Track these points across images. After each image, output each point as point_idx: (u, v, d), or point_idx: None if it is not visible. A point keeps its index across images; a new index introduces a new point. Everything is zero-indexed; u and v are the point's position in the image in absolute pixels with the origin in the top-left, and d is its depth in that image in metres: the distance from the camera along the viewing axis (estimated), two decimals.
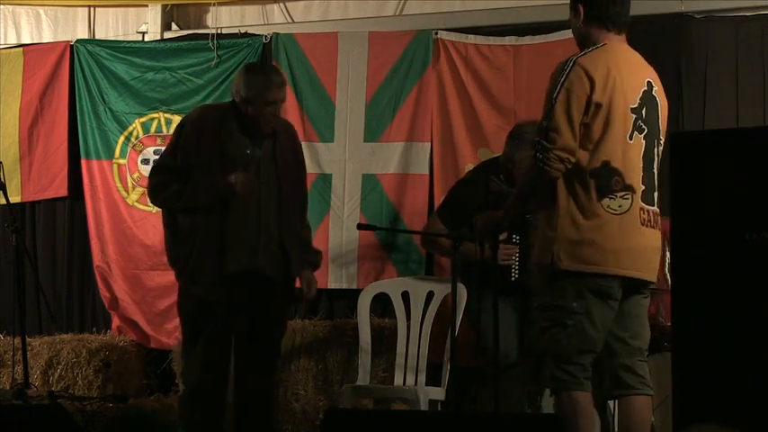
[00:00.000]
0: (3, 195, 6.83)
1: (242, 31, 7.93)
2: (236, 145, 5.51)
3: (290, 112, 7.68)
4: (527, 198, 4.57)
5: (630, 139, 4.44)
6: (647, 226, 4.46)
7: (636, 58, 4.61)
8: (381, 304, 7.05)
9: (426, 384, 6.54)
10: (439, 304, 6.63)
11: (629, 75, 4.46)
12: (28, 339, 6.98)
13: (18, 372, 6.90)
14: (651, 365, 6.00)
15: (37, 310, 8.03)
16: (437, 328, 6.67)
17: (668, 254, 6.08)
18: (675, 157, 3.76)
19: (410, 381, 6.56)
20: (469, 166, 7.19)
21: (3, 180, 6.86)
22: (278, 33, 7.79)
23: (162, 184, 5.55)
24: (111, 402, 6.64)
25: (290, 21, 7.99)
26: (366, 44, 7.65)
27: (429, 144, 7.48)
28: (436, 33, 7.51)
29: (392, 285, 6.85)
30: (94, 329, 7.97)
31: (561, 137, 4.36)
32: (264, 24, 7.99)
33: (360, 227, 6.69)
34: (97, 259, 7.97)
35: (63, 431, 3.76)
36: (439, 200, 7.14)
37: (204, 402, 5.51)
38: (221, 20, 8.08)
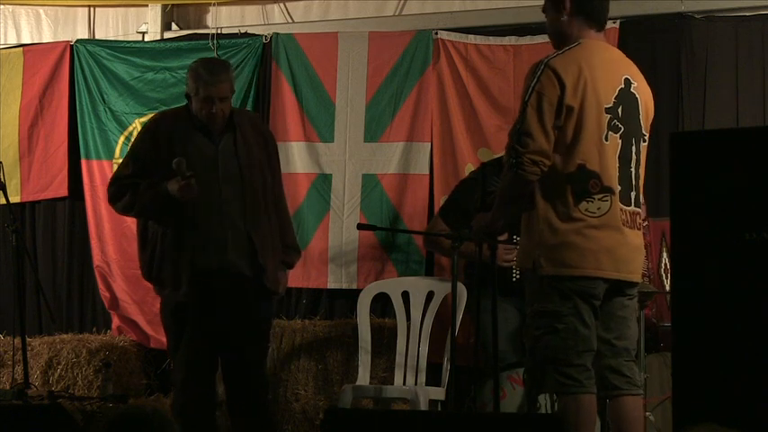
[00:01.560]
0: (3, 195, 6.82)
1: (242, 31, 7.93)
2: (193, 145, 5.47)
3: (290, 112, 7.69)
4: (509, 203, 4.49)
5: (606, 140, 4.40)
6: (626, 226, 4.44)
7: (612, 55, 4.57)
8: (381, 304, 7.06)
9: (426, 384, 6.54)
10: (439, 304, 6.63)
11: (603, 74, 4.42)
12: (28, 339, 6.97)
13: (18, 372, 6.89)
14: (652, 365, 6.01)
15: (37, 310, 8.02)
16: (437, 328, 6.68)
17: (665, 255, 6.09)
18: (675, 157, 3.75)
19: (410, 381, 6.56)
20: (470, 167, 7.20)
21: (3, 180, 6.84)
22: (278, 33, 7.78)
23: (115, 195, 5.55)
24: (111, 402, 6.64)
25: (290, 21, 7.99)
26: (366, 44, 7.65)
27: (429, 144, 7.47)
28: (436, 33, 7.51)
29: (392, 285, 6.86)
30: (94, 329, 7.97)
31: (534, 140, 4.32)
32: (264, 24, 7.99)
33: (360, 227, 6.68)
34: (97, 259, 7.96)
35: (63, 431, 3.76)
36: (439, 200, 7.14)
37: (193, 404, 5.49)
38: (221, 20, 8.08)
